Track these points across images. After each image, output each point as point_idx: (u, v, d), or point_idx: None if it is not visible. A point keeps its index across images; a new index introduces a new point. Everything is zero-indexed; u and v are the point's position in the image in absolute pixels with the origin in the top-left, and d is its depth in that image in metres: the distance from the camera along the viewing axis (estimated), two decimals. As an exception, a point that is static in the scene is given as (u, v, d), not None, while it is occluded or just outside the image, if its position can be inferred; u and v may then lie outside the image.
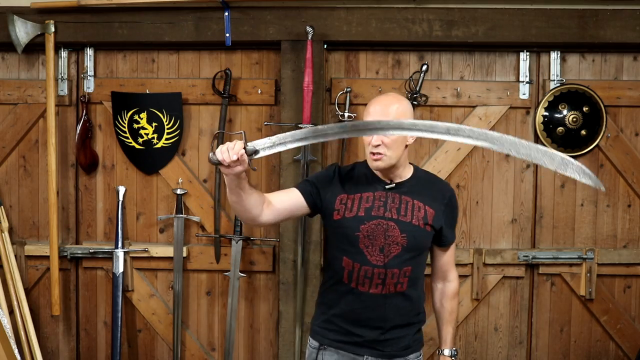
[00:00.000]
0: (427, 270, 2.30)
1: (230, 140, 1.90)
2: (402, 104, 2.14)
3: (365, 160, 2.22)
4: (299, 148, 3.22)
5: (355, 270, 2.13)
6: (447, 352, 2.33)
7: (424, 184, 2.21)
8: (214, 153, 1.87)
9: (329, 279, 2.24)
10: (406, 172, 2.20)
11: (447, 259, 2.31)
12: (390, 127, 1.92)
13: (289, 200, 2.16)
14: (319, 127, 1.92)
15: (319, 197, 2.18)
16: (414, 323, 2.23)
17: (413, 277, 2.16)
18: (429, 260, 2.31)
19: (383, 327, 2.16)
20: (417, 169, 2.25)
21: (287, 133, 1.92)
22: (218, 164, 1.86)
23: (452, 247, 2.30)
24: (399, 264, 2.12)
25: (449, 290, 2.33)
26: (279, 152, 3.22)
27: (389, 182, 2.16)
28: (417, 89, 3.27)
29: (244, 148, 1.86)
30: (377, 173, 2.18)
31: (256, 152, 1.90)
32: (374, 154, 2.12)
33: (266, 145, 1.91)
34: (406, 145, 2.16)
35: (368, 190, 2.16)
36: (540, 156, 1.79)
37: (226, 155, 1.84)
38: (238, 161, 1.85)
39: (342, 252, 2.15)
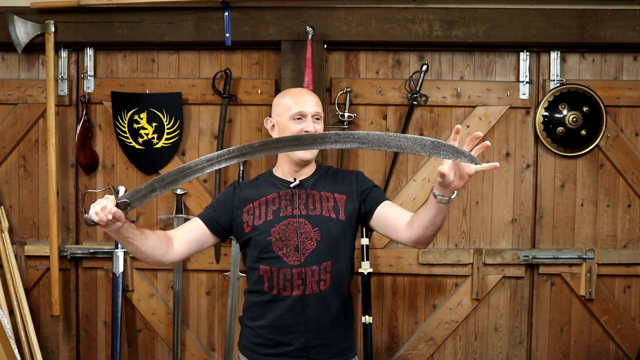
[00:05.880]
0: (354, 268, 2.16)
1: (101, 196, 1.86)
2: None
3: (269, 170, 2.20)
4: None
5: (274, 275, 2.05)
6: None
7: (328, 176, 2.16)
8: (88, 214, 1.83)
9: (250, 294, 2.15)
10: (310, 169, 2.16)
11: (393, 211, 2.06)
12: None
13: (194, 232, 2.11)
14: (186, 164, 1.85)
15: (225, 218, 2.12)
16: (342, 323, 2.12)
17: (335, 273, 2.06)
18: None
19: (311, 331, 2.06)
20: (320, 166, 2.21)
21: (156, 178, 1.87)
22: (95, 224, 1.83)
23: (390, 203, 2.10)
24: (317, 260, 2.03)
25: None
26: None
27: (293, 180, 2.12)
28: (417, 89, 3.27)
29: (117, 204, 1.82)
30: (279, 174, 2.15)
31: (129, 204, 1.85)
32: None
33: (138, 196, 1.86)
34: None
35: (272, 192, 2.11)
36: (410, 145, 1.72)
37: (101, 215, 1.80)
38: (114, 219, 1.82)
39: (259, 261, 2.07)
